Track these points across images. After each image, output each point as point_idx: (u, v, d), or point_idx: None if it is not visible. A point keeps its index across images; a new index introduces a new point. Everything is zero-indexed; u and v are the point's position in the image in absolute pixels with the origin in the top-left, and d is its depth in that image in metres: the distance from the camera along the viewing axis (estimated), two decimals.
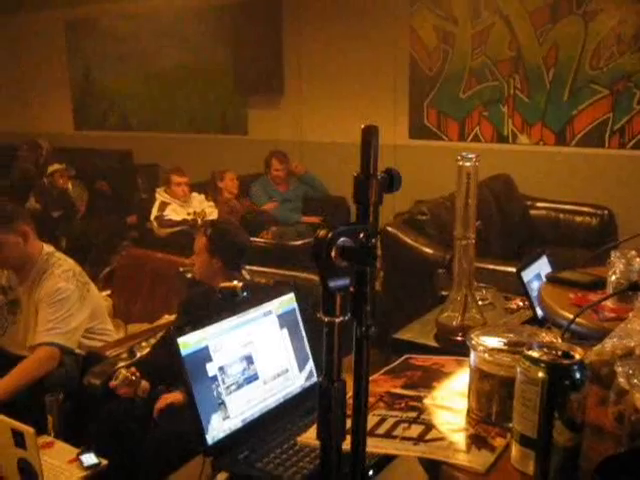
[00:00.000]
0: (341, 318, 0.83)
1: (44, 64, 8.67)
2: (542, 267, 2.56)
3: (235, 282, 2.45)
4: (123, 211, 6.88)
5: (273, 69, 7.02)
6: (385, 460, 1.64)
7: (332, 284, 0.81)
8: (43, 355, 3.14)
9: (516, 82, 6.10)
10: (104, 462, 2.54)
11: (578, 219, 5.89)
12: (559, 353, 0.97)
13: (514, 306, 2.64)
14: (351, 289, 0.85)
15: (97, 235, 6.40)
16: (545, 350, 0.97)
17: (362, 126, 0.84)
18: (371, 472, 1.64)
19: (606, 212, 5.82)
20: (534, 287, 2.45)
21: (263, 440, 1.74)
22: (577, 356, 0.96)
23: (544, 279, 2.10)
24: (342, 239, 0.82)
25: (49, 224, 6.32)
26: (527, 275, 2.44)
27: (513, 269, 2.45)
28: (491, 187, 5.65)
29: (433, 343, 2.38)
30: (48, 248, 3.43)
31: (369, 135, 0.83)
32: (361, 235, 0.81)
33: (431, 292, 3.26)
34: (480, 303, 2.56)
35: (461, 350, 2.30)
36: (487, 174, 5.73)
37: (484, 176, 5.65)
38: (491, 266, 3.44)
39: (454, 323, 2.36)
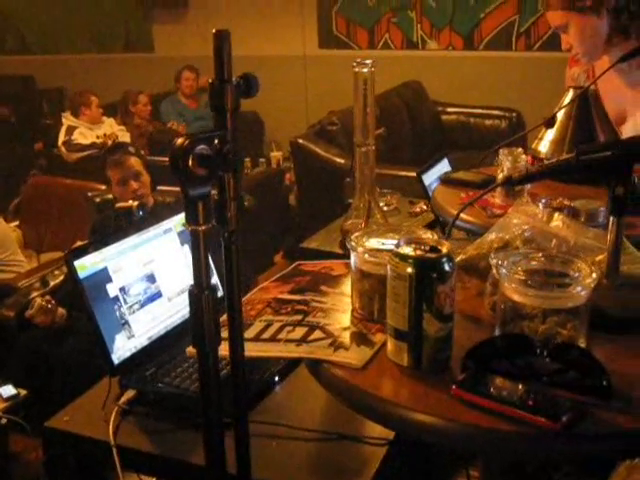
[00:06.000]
0: (204, 226, 0.83)
1: None
2: (443, 170, 2.60)
3: (130, 202, 2.41)
4: (29, 138, 6.63)
5: None
6: (290, 366, 1.69)
7: (192, 192, 0.81)
8: None
9: None
10: (23, 392, 2.54)
11: (488, 122, 6.00)
12: (427, 248, 1.00)
13: (418, 209, 2.70)
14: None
15: (3, 165, 6.17)
16: (414, 246, 1.00)
17: (213, 31, 0.82)
18: (277, 378, 1.69)
19: (514, 114, 5.93)
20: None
21: (170, 356, 1.75)
22: (443, 249, 0.99)
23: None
24: (200, 147, 0.81)
25: None
26: (428, 178, 2.48)
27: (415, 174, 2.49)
28: (402, 94, 5.67)
29: (338, 250, 2.42)
30: None
31: (221, 40, 0.82)
32: (216, 142, 0.81)
33: (340, 201, 3.30)
34: (385, 208, 2.60)
35: None
36: (398, 81, 5.73)
37: (395, 83, 5.66)
38: (396, 172, 3.48)
39: (358, 229, 2.40)
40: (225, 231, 0.84)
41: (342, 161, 4.26)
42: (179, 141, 0.80)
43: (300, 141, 4.52)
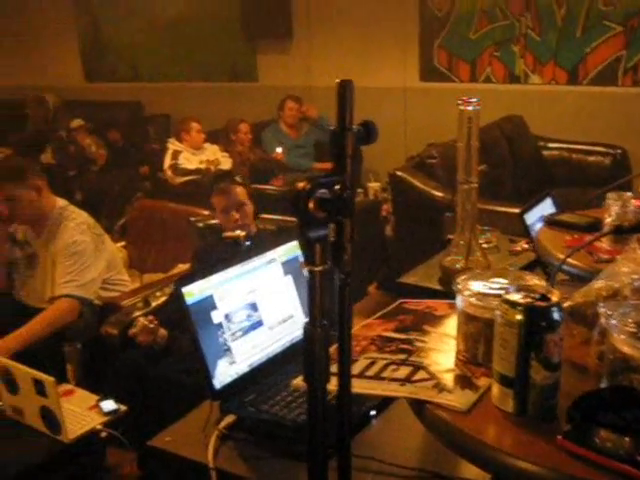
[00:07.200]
0: (321, 267, 0.86)
1: (51, 14, 8.54)
2: (546, 209, 2.57)
3: (238, 232, 2.48)
4: (136, 162, 6.91)
5: (280, 13, 6.94)
6: (387, 401, 1.70)
7: (311, 234, 0.85)
8: (63, 307, 3.21)
9: (527, 21, 6.00)
10: (123, 408, 2.62)
11: (591, 159, 5.85)
12: (536, 296, 1.00)
13: (519, 248, 2.66)
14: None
15: (112, 187, 6.43)
16: (523, 293, 1.01)
17: (337, 80, 0.86)
18: (374, 412, 1.70)
19: (619, 151, 5.77)
20: (538, 229, 2.46)
21: (269, 384, 1.79)
22: (554, 298, 1.00)
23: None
24: (320, 191, 0.85)
25: (63, 180, 6.34)
26: (531, 217, 2.45)
27: (518, 211, 2.47)
28: (503, 128, 5.63)
29: (437, 286, 2.42)
30: (61, 202, 3.48)
31: (343, 89, 0.85)
32: (336, 187, 0.84)
33: (439, 236, 3.29)
34: (485, 246, 2.58)
35: None
36: (499, 115, 5.69)
37: (496, 117, 5.62)
38: (497, 208, 3.46)
39: (458, 266, 2.39)
40: (341, 272, 0.87)
41: (441, 195, 4.26)
42: (301, 184, 0.84)
43: (399, 173, 4.54)
